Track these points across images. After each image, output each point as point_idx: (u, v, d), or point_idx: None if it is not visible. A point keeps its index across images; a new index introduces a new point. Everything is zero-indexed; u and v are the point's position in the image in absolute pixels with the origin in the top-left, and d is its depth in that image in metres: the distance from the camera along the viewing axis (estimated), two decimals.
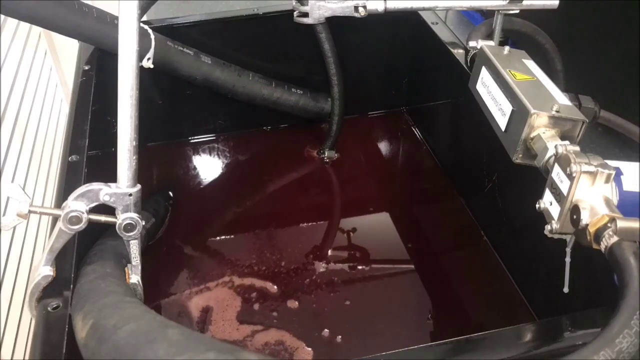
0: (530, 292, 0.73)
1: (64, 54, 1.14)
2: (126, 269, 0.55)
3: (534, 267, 0.72)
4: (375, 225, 0.86)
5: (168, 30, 0.84)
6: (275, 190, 0.92)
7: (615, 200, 0.47)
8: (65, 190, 0.60)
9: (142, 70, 0.53)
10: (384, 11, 0.78)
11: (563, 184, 0.49)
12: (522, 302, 0.73)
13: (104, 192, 0.51)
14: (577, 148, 0.50)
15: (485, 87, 0.65)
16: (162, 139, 1.01)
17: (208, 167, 0.97)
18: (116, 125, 0.50)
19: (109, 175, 0.52)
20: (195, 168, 0.97)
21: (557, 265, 0.53)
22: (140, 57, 0.73)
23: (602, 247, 0.44)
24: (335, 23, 0.84)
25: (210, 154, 0.99)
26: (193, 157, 0.99)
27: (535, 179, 0.55)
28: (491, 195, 0.82)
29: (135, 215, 0.52)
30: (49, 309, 0.49)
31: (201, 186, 0.93)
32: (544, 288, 0.69)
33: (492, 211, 0.82)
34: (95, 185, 0.51)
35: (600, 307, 0.49)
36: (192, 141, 1.02)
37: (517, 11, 0.75)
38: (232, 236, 0.84)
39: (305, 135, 1.02)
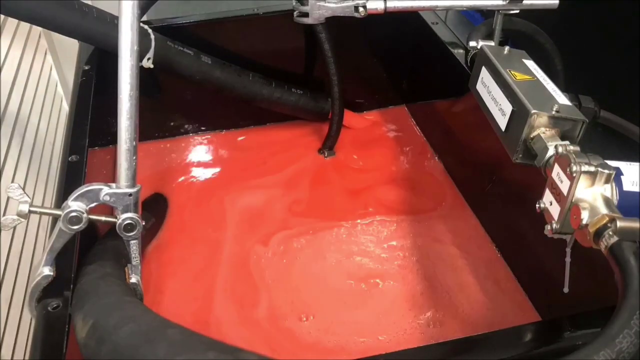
0: (534, 292, 0.73)
1: (64, 54, 1.14)
2: (126, 269, 0.55)
3: (538, 266, 0.72)
4: (375, 224, 0.85)
5: (168, 30, 0.84)
6: (275, 189, 0.92)
7: (615, 200, 0.47)
8: (65, 190, 0.60)
9: (141, 69, 0.53)
10: (384, 11, 0.78)
11: (563, 184, 0.49)
12: (526, 302, 0.73)
13: (104, 192, 0.51)
14: (577, 148, 0.50)
15: (485, 87, 0.65)
16: (161, 137, 1.01)
17: (207, 165, 0.97)
18: (116, 125, 0.50)
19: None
20: (193, 166, 0.97)
21: (561, 264, 0.53)
22: (140, 57, 0.73)
23: (602, 247, 0.44)
24: (335, 23, 0.84)
25: (209, 152, 0.99)
26: (192, 155, 0.99)
27: (535, 179, 0.55)
28: (492, 194, 0.82)
29: (135, 215, 0.52)
30: (49, 309, 0.49)
31: (199, 184, 0.93)
32: (548, 288, 0.69)
33: (493, 210, 0.82)
34: (95, 185, 0.51)
35: (600, 307, 0.49)
36: (191, 139, 1.02)
37: (517, 11, 0.75)
38: (232, 235, 0.84)
39: (305, 133, 1.02)
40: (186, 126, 1.02)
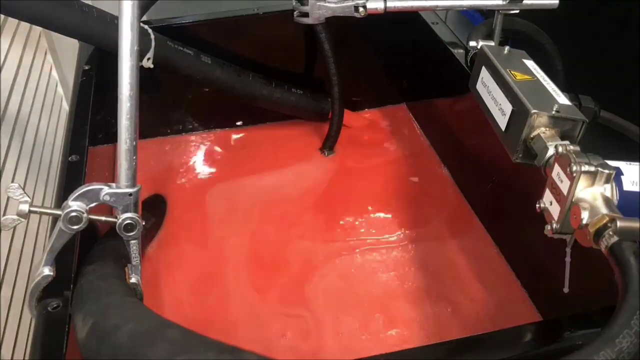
0: (535, 292, 0.73)
1: (64, 54, 1.14)
2: (126, 269, 0.55)
3: (539, 266, 0.72)
4: (376, 223, 0.85)
5: (168, 30, 0.84)
6: (274, 189, 0.92)
7: (615, 200, 0.47)
8: (65, 190, 0.60)
9: (141, 68, 0.53)
10: (384, 11, 0.78)
11: (563, 184, 0.49)
12: (527, 301, 0.73)
13: (104, 192, 0.51)
14: (577, 148, 0.50)
15: (485, 87, 0.65)
16: (161, 135, 1.01)
17: (207, 164, 0.97)
18: (116, 125, 0.50)
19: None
20: (193, 164, 0.97)
21: (562, 264, 0.53)
22: (141, 57, 0.73)
23: (602, 247, 0.44)
24: (335, 23, 0.84)
25: (209, 151, 0.99)
26: (192, 153, 0.99)
27: (535, 178, 0.55)
28: (492, 194, 0.82)
29: (135, 215, 0.52)
30: (49, 309, 0.49)
31: (199, 183, 0.93)
32: (549, 287, 0.69)
33: (494, 209, 0.82)
34: (95, 185, 0.51)
35: (600, 307, 0.49)
36: (191, 137, 1.02)
37: (517, 11, 0.75)
38: (232, 234, 0.84)
39: (305, 132, 1.02)
40: (186, 125, 1.02)
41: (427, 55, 0.98)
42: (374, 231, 0.84)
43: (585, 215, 0.46)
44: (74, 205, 0.50)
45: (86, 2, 0.74)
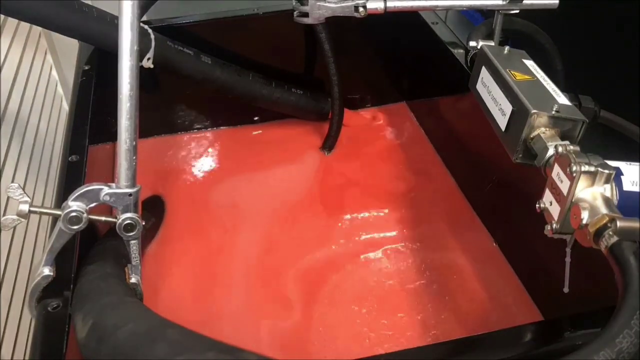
0: (536, 291, 0.73)
1: (64, 54, 1.14)
2: (126, 269, 0.55)
3: (539, 265, 0.72)
4: (377, 222, 0.85)
5: (168, 30, 0.84)
6: (274, 188, 0.92)
7: (615, 200, 0.47)
8: (65, 190, 0.60)
9: (141, 68, 0.53)
10: (384, 11, 0.78)
11: (563, 184, 0.49)
12: (528, 300, 0.73)
13: (104, 192, 0.51)
14: (577, 148, 0.50)
15: (485, 87, 0.65)
16: (160, 134, 1.01)
17: (206, 162, 0.97)
18: (116, 124, 0.50)
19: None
20: (193, 163, 0.97)
21: (563, 263, 0.53)
22: (140, 57, 0.73)
23: (602, 247, 0.44)
24: (335, 23, 0.84)
25: (208, 149, 0.99)
26: (191, 152, 0.99)
27: (536, 178, 0.55)
28: (493, 193, 0.82)
29: (135, 215, 0.52)
30: (49, 309, 0.49)
31: (199, 181, 0.93)
32: (550, 287, 0.69)
33: (494, 208, 0.82)
34: (95, 185, 0.51)
35: (600, 307, 0.49)
36: (190, 136, 1.02)
37: (517, 11, 0.75)
38: (232, 232, 0.84)
39: (305, 131, 1.02)
40: (186, 124, 1.02)
41: (427, 55, 0.98)
42: (374, 230, 0.84)
43: (585, 215, 0.46)
44: (74, 205, 0.50)
45: (86, 2, 0.74)
